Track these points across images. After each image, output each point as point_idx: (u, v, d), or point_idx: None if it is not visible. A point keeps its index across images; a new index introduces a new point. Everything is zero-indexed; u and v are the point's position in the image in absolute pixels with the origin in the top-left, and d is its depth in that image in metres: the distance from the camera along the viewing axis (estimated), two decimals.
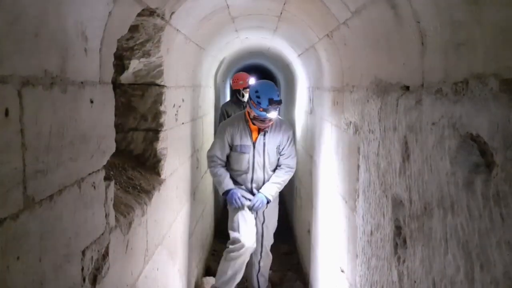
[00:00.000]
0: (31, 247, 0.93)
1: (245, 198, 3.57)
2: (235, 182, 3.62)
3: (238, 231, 3.47)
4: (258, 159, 3.57)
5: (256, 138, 3.56)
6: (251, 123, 3.53)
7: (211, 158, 3.60)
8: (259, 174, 3.60)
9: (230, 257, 3.45)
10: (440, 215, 1.08)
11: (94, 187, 1.31)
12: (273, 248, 5.13)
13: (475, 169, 0.95)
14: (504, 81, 0.84)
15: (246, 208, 3.53)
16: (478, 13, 0.92)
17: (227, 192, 3.53)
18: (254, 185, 3.61)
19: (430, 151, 1.16)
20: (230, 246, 3.48)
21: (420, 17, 1.21)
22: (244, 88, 5.29)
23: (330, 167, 2.83)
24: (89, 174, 1.26)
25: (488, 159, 0.90)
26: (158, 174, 2.34)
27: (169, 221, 2.57)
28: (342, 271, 2.42)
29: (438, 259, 1.10)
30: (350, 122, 2.24)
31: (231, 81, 5.84)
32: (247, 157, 3.55)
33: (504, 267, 0.80)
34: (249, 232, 3.50)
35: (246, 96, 5.08)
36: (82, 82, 1.20)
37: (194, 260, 3.59)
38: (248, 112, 3.51)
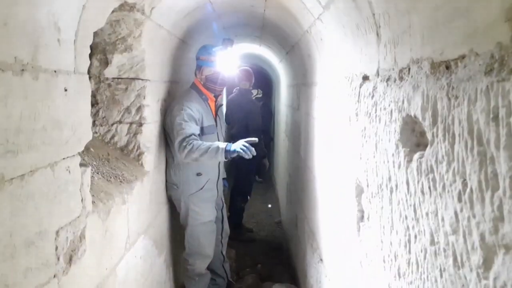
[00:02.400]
0: (1, 221, 1.00)
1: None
2: (198, 174, 3.01)
3: (208, 248, 3.17)
4: (220, 137, 3.16)
5: (215, 113, 3.15)
6: (209, 95, 3.06)
7: (187, 139, 2.66)
8: None
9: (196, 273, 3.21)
10: (388, 194, 1.16)
11: (69, 171, 1.37)
12: (264, 243, 5.21)
13: (414, 149, 1.02)
14: (434, 64, 0.91)
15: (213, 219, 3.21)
16: (416, 1, 0.99)
17: (226, 150, 2.66)
18: (221, 164, 3.23)
19: (381, 135, 1.23)
20: (194, 265, 3.17)
21: (374, 9, 1.28)
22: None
23: (314, 160, 2.90)
24: (63, 158, 1.33)
25: (425, 138, 0.97)
26: (142, 165, 2.41)
27: (154, 211, 2.64)
28: (321, 260, 2.49)
29: (387, 236, 1.17)
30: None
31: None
32: (213, 139, 2.98)
33: (430, 234, 0.87)
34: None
35: (255, 92, 5.16)
36: (55, 71, 1.27)
37: (182, 253, 3.64)
38: (200, 78, 3.05)
